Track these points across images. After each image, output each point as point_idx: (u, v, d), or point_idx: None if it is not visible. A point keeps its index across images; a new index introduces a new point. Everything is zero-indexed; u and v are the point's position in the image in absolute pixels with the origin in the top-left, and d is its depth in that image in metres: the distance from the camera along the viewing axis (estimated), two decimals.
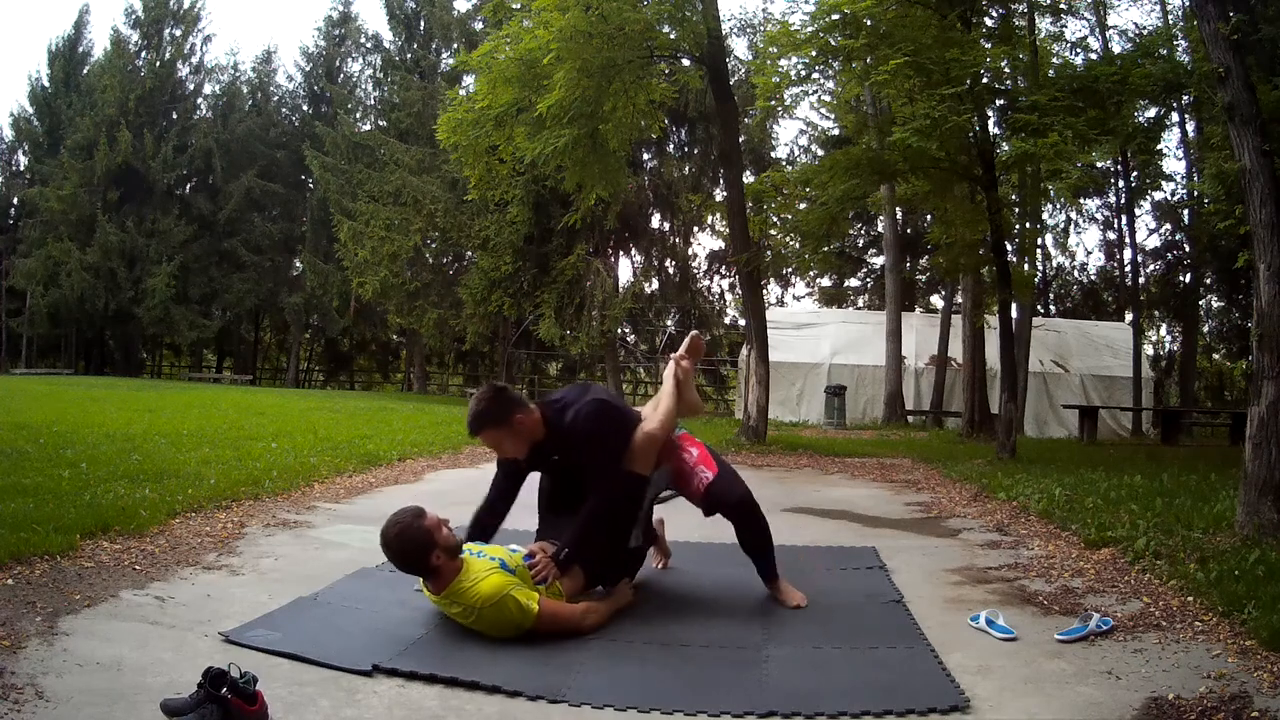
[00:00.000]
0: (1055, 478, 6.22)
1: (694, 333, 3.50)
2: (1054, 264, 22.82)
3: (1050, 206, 18.21)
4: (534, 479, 3.28)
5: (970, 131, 7.86)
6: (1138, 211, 18.81)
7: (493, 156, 10.12)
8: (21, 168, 27.52)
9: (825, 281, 23.36)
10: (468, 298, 17.91)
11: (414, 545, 2.63)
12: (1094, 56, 10.61)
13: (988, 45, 8.08)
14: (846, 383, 15.13)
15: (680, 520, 3.82)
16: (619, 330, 19.51)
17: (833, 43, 7.75)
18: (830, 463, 8.19)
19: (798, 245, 10.26)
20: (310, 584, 3.17)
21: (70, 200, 23.55)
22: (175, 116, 26.14)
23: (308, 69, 27.14)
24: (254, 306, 26.05)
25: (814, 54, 8.05)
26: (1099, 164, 14.71)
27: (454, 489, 5.61)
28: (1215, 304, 21.69)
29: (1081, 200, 19.50)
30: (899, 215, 16.71)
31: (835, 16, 7.50)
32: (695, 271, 22.18)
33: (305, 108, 27.28)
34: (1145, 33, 13.30)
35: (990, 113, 8.42)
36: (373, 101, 24.91)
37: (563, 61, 8.16)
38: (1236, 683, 2.30)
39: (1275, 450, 3.83)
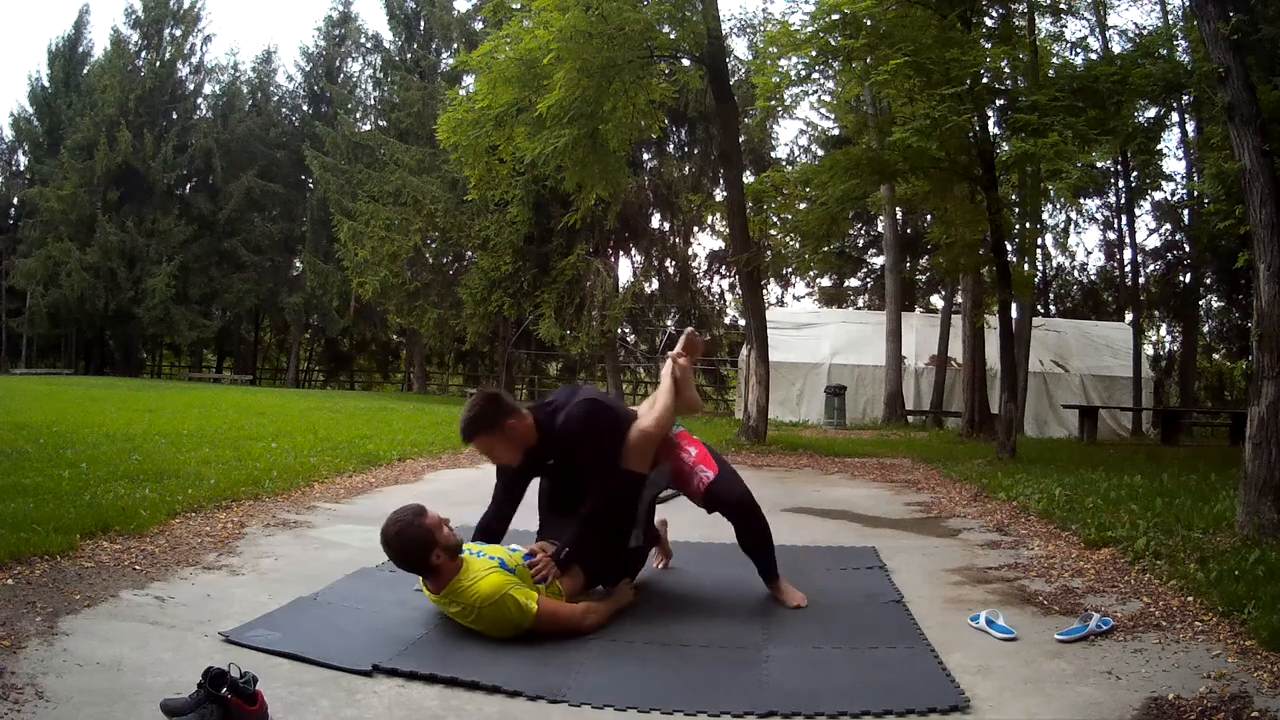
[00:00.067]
0: (1055, 478, 6.22)
1: (689, 330, 3.49)
2: (1054, 264, 22.86)
3: (1050, 206, 18.24)
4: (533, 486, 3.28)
5: (970, 131, 7.86)
6: (1138, 211, 18.84)
7: (493, 156, 10.11)
8: (21, 168, 27.54)
9: (825, 281, 23.37)
10: (468, 298, 17.91)
11: (414, 544, 2.63)
12: (1094, 56, 10.61)
13: (988, 45, 8.08)
14: (846, 383, 15.13)
15: (680, 520, 3.82)
16: (619, 330, 19.50)
17: (833, 43, 7.75)
18: (830, 463, 8.19)
19: (798, 245, 10.25)
20: (310, 584, 3.17)
21: (70, 200, 23.55)
22: (175, 116, 26.15)
23: (308, 69, 27.16)
24: (254, 306, 26.06)
25: (814, 54, 8.04)
26: (1099, 164, 14.71)
27: (454, 489, 5.61)
28: (1215, 304, 21.72)
29: (1081, 200, 19.52)
30: (899, 215, 16.71)
31: (835, 16, 7.49)
32: (695, 271, 22.20)
33: (305, 108, 27.29)
34: (1145, 33, 13.32)
35: (990, 113, 8.43)
36: (373, 101, 24.93)
37: (563, 61, 8.16)
38: (1236, 683, 2.30)
39: (1275, 450, 3.83)
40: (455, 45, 21.12)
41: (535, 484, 3.29)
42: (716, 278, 22.89)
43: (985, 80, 7.77)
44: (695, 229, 21.33)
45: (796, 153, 22.69)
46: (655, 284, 21.29)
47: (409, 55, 22.45)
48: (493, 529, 3.13)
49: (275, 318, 28.03)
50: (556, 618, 2.70)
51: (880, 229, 19.07)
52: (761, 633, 2.83)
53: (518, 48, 8.60)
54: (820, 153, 20.36)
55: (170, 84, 26.02)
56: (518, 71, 8.66)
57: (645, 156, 19.62)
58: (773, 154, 21.44)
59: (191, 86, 27.20)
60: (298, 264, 26.89)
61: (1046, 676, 2.43)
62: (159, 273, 23.43)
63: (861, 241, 22.84)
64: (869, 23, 7.48)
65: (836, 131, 19.08)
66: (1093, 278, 23.56)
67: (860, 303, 23.90)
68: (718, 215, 18.73)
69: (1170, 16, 14.54)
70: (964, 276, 11.92)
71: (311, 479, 5.55)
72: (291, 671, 2.32)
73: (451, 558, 2.68)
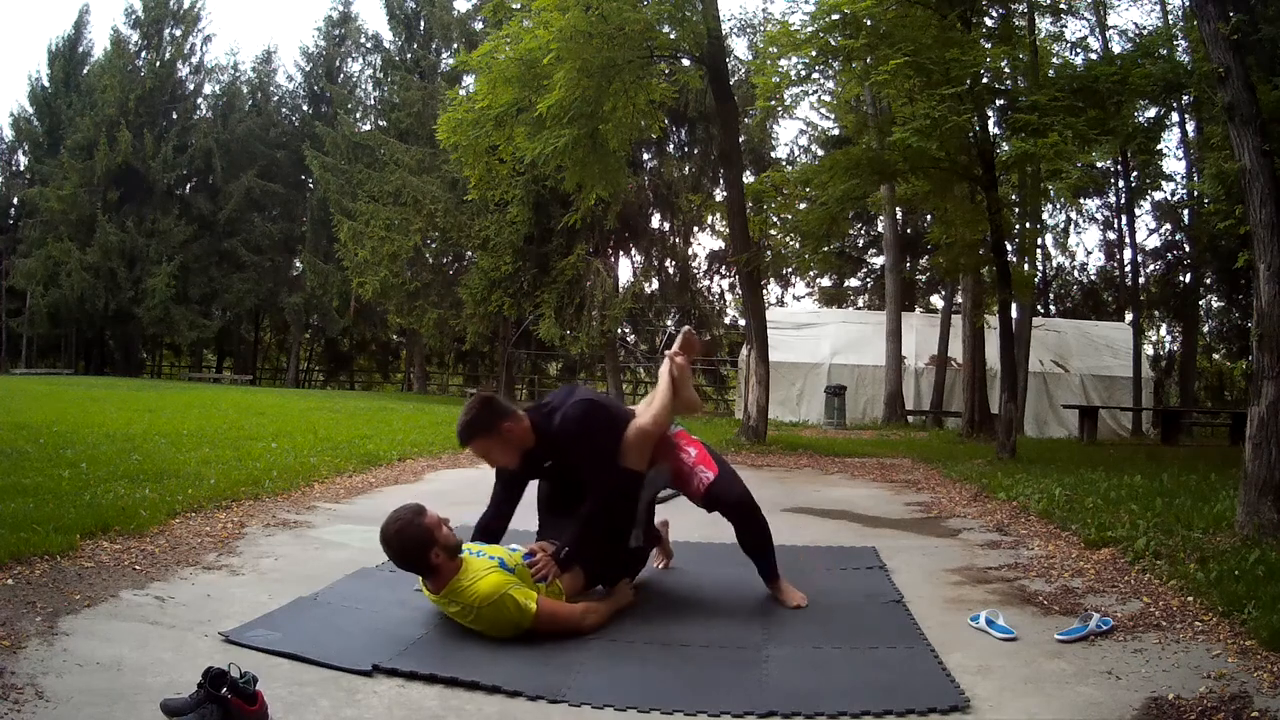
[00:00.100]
0: (1055, 478, 6.22)
1: (686, 328, 3.49)
2: (1054, 264, 22.85)
3: (1050, 206, 18.23)
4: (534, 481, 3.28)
5: (970, 131, 7.86)
6: (1138, 211, 18.83)
7: (493, 156, 10.11)
8: (21, 168, 27.54)
9: (825, 281, 23.37)
10: (468, 298, 17.90)
11: (413, 543, 2.64)
12: (1094, 56, 10.61)
13: (988, 45, 8.08)
14: (846, 383, 15.13)
15: (680, 520, 3.82)
16: (619, 330, 19.50)
17: (833, 43, 7.75)
18: (830, 463, 8.19)
19: (798, 245, 10.25)
20: (310, 584, 3.18)
21: (70, 200, 23.55)
22: (175, 116, 26.15)
23: (308, 69, 27.15)
24: (254, 306, 26.06)
25: (814, 54, 8.05)
26: (1099, 164, 14.71)
27: (454, 489, 5.61)
28: (1215, 304, 21.72)
29: (1081, 200, 19.51)
30: (899, 215, 16.70)
31: (835, 16, 7.49)
32: (695, 271, 22.19)
33: (305, 108, 27.29)
34: (1145, 33, 13.31)
35: (990, 113, 8.43)
36: (373, 101, 24.92)
37: (563, 61, 8.16)
38: (1236, 683, 2.30)
39: (1275, 450, 3.83)
40: (455, 45, 21.11)
41: (534, 484, 3.29)
42: (716, 278, 22.92)
43: (985, 80, 7.77)
44: (695, 229, 21.35)
45: (796, 153, 22.73)
46: (655, 284, 21.29)
47: (409, 55, 22.45)
48: (492, 529, 3.13)
49: (275, 318, 28.03)
50: (556, 618, 2.70)
51: (880, 229, 19.07)
52: (761, 633, 2.83)
53: (518, 48, 8.60)
54: (820, 153, 20.36)
55: (170, 84, 26.02)
56: (518, 71, 8.66)
57: (645, 156, 19.61)
58: (773, 154, 21.45)
59: (191, 86, 27.22)
60: (298, 264, 26.89)
61: (1046, 676, 2.43)
62: (159, 273, 23.43)
63: (861, 241, 22.84)
64: (869, 23, 7.48)
65: (836, 131, 19.08)
66: (1093, 278, 23.59)
67: (860, 303, 23.90)
68: (718, 215, 18.73)
69: (1170, 16, 14.54)
70: (964, 276, 11.91)
71: (311, 479, 5.55)
72: (291, 671, 2.32)
73: (451, 557, 2.68)
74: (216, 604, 2.88)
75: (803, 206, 9.63)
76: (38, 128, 26.36)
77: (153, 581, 3.07)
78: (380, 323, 25.28)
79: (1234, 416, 11.88)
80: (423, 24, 22.45)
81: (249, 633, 2.58)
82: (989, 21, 8.68)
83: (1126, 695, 2.27)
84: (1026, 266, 10.74)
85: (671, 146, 19.76)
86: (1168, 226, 20.54)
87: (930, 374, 15.63)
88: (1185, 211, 17.67)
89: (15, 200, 27.18)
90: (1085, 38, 14.15)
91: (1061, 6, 9.87)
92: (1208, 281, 19.92)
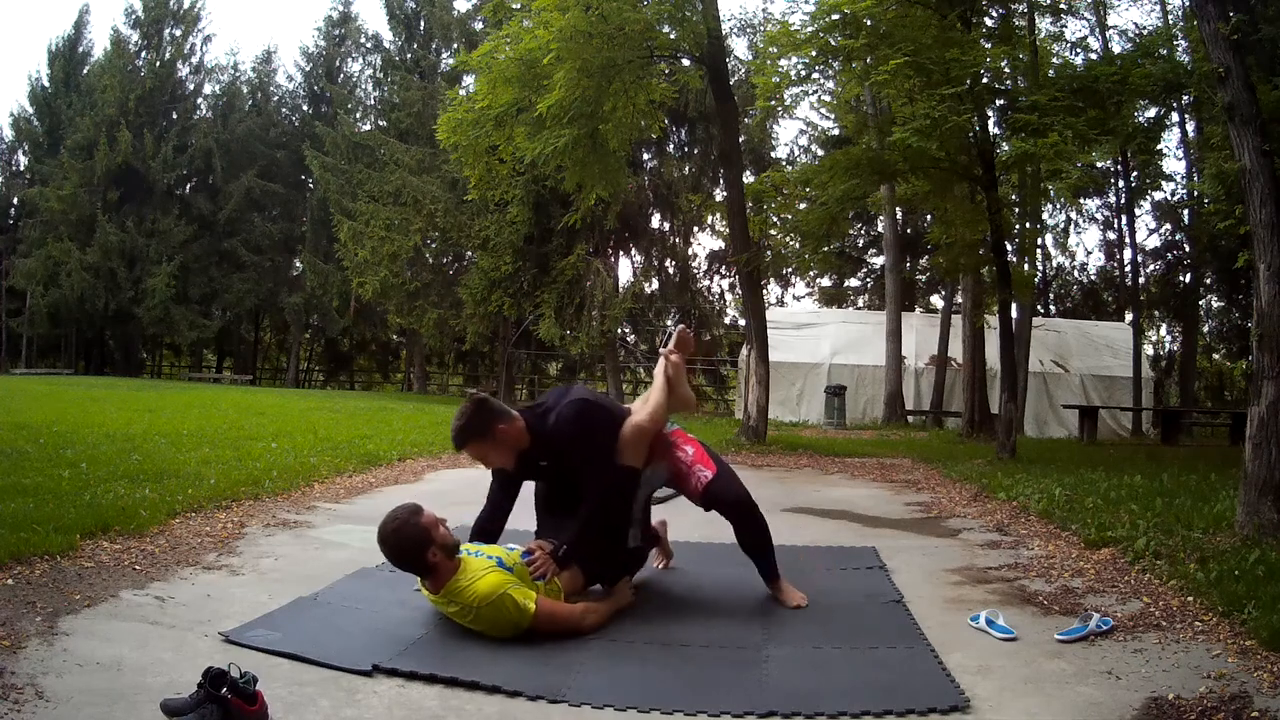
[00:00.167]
0: (1055, 478, 6.22)
1: (680, 326, 3.49)
2: (1054, 264, 22.85)
3: (1050, 206, 18.24)
4: (531, 483, 3.28)
5: (970, 131, 7.86)
6: (1138, 211, 18.83)
7: (493, 156, 10.11)
8: (21, 168, 27.54)
9: (825, 281, 23.37)
10: (468, 298, 17.91)
11: (410, 542, 2.64)
12: (1094, 56, 10.61)
13: (988, 45, 8.08)
14: (846, 383, 15.13)
15: (680, 520, 3.82)
16: (619, 330, 19.50)
17: (833, 43, 7.75)
18: (830, 463, 8.19)
19: (798, 245, 10.26)
20: (310, 584, 3.18)
21: (70, 200, 23.55)
22: (175, 116, 26.15)
23: (308, 69, 27.15)
24: (254, 306, 26.06)
25: (814, 54, 8.05)
26: (1099, 164, 14.71)
27: (454, 489, 5.61)
28: (1215, 304, 21.72)
29: (1081, 200, 19.51)
30: (899, 215, 16.70)
31: (835, 16, 7.50)
32: (695, 271, 22.18)
33: (305, 108, 27.28)
34: (1145, 33, 13.31)
35: (990, 113, 8.43)
36: (373, 101, 24.91)
37: (563, 61, 8.16)
38: (1236, 683, 2.30)
39: (1275, 450, 3.83)
40: (455, 45, 21.11)
41: (532, 484, 3.29)
42: (716, 278, 22.91)
43: (985, 80, 7.77)
44: (695, 229, 21.33)
45: (796, 153, 22.72)
46: (655, 284, 21.28)
47: (409, 55, 22.44)
48: (489, 529, 3.13)
49: (275, 318, 28.03)
50: (555, 617, 2.70)
51: (880, 229, 19.06)
52: (761, 633, 2.83)
53: (518, 48, 8.60)
54: (820, 153, 20.36)
55: (170, 84, 26.01)
56: (518, 71, 8.66)
57: (645, 156, 19.61)
58: (773, 154, 21.44)
59: (191, 86, 27.22)
60: (298, 264, 26.88)
61: (1046, 676, 2.43)
62: (159, 273, 23.43)
63: (861, 241, 22.84)
64: (869, 23, 7.48)
65: (836, 131, 19.08)
66: (1093, 278, 23.58)
67: (860, 303, 23.89)
68: (718, 215, 18.72)
69: (1170, 16, 14.54)
70: (964, 276, 11.92)
71: (311, 479, 5.55)
72: (291, 671, 2.32)
73: (449, 557, 2.68)
74: (216, 604, 2.88)
75: (803, 206, 9.63)
76: (38, 128, 26.36)
77: (153, 581, 3.07)
78: (380, 323, 25.28)
79: (1234, 416, 11.88)
80: (423, 24, 22.44)
81: (249, 633, 2.58)
82: (989, 21, 8.68)
83: (1126, 695, 2.27)
84: (1026, 266, 10.74)
85: (671, 146, 19.75)
86: (1168, 226, 20.56)
87: (930, 374, 15.63)
88: (1185, 211, 17.67)
89: (15, 200, 27.18)
90: (1085, 38, 14.17)
91: (1061, 6, 9.87)
92: (1208, 281, 19.92)
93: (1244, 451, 3.98)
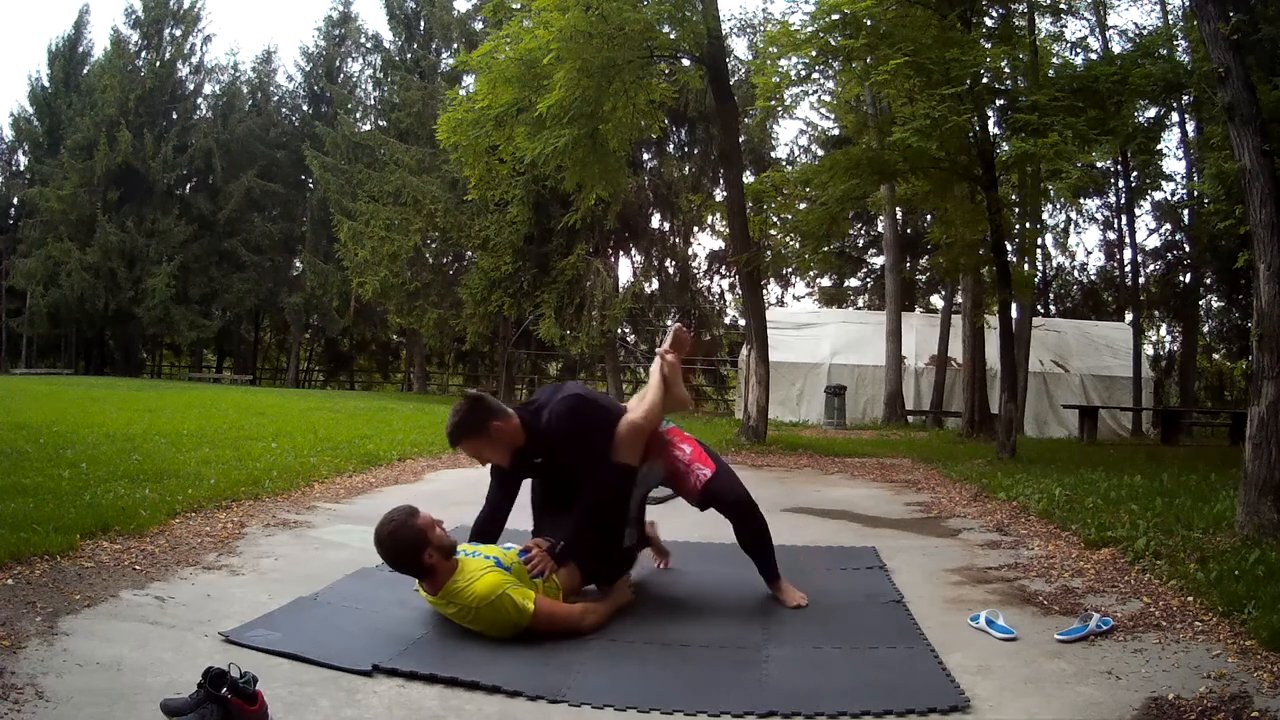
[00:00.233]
0: (1055, 478, 6.22)
1: (676, 325, 3.48)
2: (1054, 264, 22.85)
3: (1050, 206, 18.24)
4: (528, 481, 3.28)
5: (970, 131, 7.86)
6: (1138, 211, 18.83)
7: (493, 156, 10.11)
8: (21, 168, 27.54)
9: (825, 281, 23.37)
10: (468, 298, 17.91)
11: (407, 544, 2.63)
12: (1094, 56, 10.61)
13: (988, 45, 8.08)
14: (846, 383, 15.13)
15: (680, 520, 3.82)
16: (619, 330, 19.50)
17: (833, 43, 7.75)
18: (830, 463, 8.19)
19: (798, 245, 10.26)
20: (310, 584, 3.17)
21: (70, 200, 23.55)
22: (175, 116, 26.15)
23: (308, 69, 27.15)
24: (254, 306, 26.06)
25: (814, 54, 8.05)
26: (1099, 164, 14.71)
27: (454, 489, 5.61)
28: (1215, 304, 21.72)
29: (1081, 200, 19.52)
30: (899, 215, 16.71)
31: (835, 16, 7.50)
32: (695, 271, 22.19)
33: (305, 108, 27.28)
34: (1145, 33, 13.31)
35: (990, 113, 8.43)
36: (373, 101, 24.91)
37: (563, 61, 8.16)
38: (1236, 683, 2.30)
39: (1275, 450, 3.83)
40: (455, 45, 21.11)
41: (530, 482, 3.29)
42: (716, 278, 22.91)
43: (985, 80, 7.77)
44: (695, 229, 21.34)
45: (796, 153, 22.72)
46: (655, 284, 21.29)
47: (409, 55, 22.44)
48: (488, 530, 3.13)
49: (275, 318, 28.03)
50: (554, 617, 2.70)
51: (880, 229, 19.06)
52: (761, 633, 2.83)
53: (518, 48, 8.60)
54: (820, 153, 20.36)
55: (170, 84, 26.01)
56: (518, 71, 8.66)
57: (645, 156, 19.61)
58: (773, 154, 21.44)
59: (191, 86, 27.22)
60: (298, 264, 26.88)
61: (1046, 676, 2.43)
62: (159, 273, 23.43)
63: (861, 241, 22.84)
64: (869, 23, 7.48)
65: (836, 131, 19.08)
66: (1093, 278, 23.58)
67: (860, 303, 23.89)
68: (718, 215, 18.73)
69: (1170, 16, 14.54)
70: (964, 276, 11.92)
71: (311, 479, 5.55)
72: (291, 671, 2.32)
73: (445, 558, 2.67)
74: (216, 604, 2.88)
75: (803, 206, 9.63)
76: (38, 128, 26.36)
77: (153, 581, 3.07)
78: (380, 323, 25.28)
79: (1234, 416, 11.88)
80: (423, 24, 22.45)
81: (249, 633, 2.58)
82: (989, 21, 8.68)
83: (1126, 695, 2.27)
84: (1026, 266, 10.74)
85: (671, 146, 19.76)
86: (1168, 226, 20.56)
87: (930, 374, 15.63)
88: (1185, 211, 17.67)
89: (15, 200, 27.18)
90: (1085, 38, 14.18)
91: (1061, 6, 9.87)
92: (1208, 281, 19.92)
93: (1244, 451, 3.98)
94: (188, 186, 26.52)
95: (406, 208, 18.52)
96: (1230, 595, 2.89)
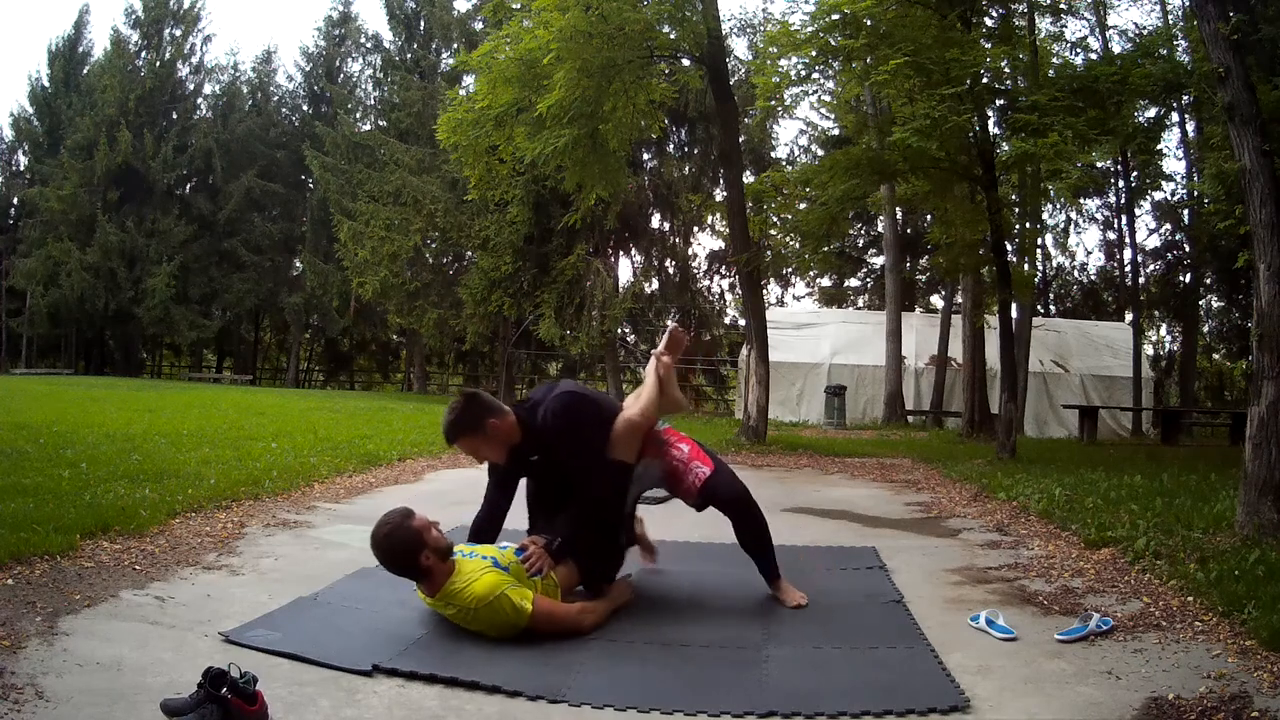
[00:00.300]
0: (1055, 478, 6.22)
1: (672, 326, 3.48)
2: (1054, 264, 22.85)
3: (1050, 206, 18.23)
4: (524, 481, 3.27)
5: (970, 131, 7.86)
6: (1138, 211, 18.83)
7: (493, 156, 10.11)
8: (21, 168, 27.54)
9: (825, 281, 23.37)
10: (468, 298, 17.91)
11: (403, 546, 2.63)
12: (1094, 56, 10.61)
13: (988, 45, 8.09)
14: (846, 383, 15.13)
15: (680, 520, 3.82)
16: (619, 330, 19.50)
17: (833, 43, 7.75)
18: (830, 463, 8.19)
19: (798, 245, 10.26)
20: (310, 584, 3.17)
21: (70, 200, 23.55)
22: (175, 116, 26.15)
23: (308, 69, 27.15)
24: (254, 306, 26.06)
25: (814, 54, 8.05)
26: (1099, 164, 14.71)
27: (454, 489, 5.61)
28: (1215, 304, 21.72)
29: (1081, 200, 19.51)
30: (899, 215, 16.70)
31: (835, 16, 7.50)
32: (695, 271, 22.18)
33: (305, 108, 27.28)
34: (1145, 33, 13.31)
35: (990, 113, 8.43)
36: (373, 101, 24.91)
37: (563, 61, 8.16)
38: (1236, 683, 2.30)
39: (1275, 450, 3.83)
40: (455, 45, 21.11)
41: (525, 480, 3.28)
42: (716, 278, 22.91)
43: (985, 80, 7.77)
44: (695, 229, 21.34)
45: (796, 153, 22.72)
46: (655, 284, 21.28)
47: (409, 55, 22.44)
48: (486, 530, 3.12)
49: (275, 318, 28.03)
50: (553, 617, 2.70)
51: (880, 229, 19.06)
52: (761, 633, 2.83)
53: (518, 48, 8.60)
54: (820, 153, 20.36)
55: (170, 84, 26.01)
56: (518, 71, 8.66)
57: (645, 156, 19.61)
58: (773, 154, 21.44)
59: (191, 86, 27.22)
60: (298, 264, 26.88)
61: (1046, 676, 2.43)
62: (159, 273, 23.43)
63: (861, 241, 22.84)
64: (869, 23, 7.48)
65: (836, 131, 19.08)
66: (1093, 278, 23.58)
67: (860, 303, 23.89)
68: (718, 215, 18.73)
69: (1170, 16, 14.54)
70: (964, 276, 11.92)
71: (311, 479, 5.55)
72: (291, 671, 2.32)
73: (442, 559, 2.67)
74: (216, 604, 2.88)
75: (803, 206, 9.63)
76: (38, 128, 26.36)
77: (153, 581, 3.07)
78: (380, 323, 25.28)
79: (1234, 416, 11.88)
80: (423, 24, 22.45)
81: (249, 633, 2.58)
82: (989, 21, 8.68)
83: (1126, 695, 2.27)
84: (1026, 266, 10.74)
85: (671, 146, 19.76)
86: (1168, 226, 20.56)
87: (930, 374, 15.63)
88: (1185, 211, 17.67)
89: (15, 200, 27.18)
90: (1085, 38, 14.17)
91: (1061, 6, 9.87)
92: (1208, 281, 19.92)
93: (1244, 451, 3.98)
94: (188, 186, 26.52)
95: (406, 208, 18.52)
96: (1230, 595, 2.89)
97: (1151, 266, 21.25)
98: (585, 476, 3.00)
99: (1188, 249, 19.30)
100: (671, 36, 9.25)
